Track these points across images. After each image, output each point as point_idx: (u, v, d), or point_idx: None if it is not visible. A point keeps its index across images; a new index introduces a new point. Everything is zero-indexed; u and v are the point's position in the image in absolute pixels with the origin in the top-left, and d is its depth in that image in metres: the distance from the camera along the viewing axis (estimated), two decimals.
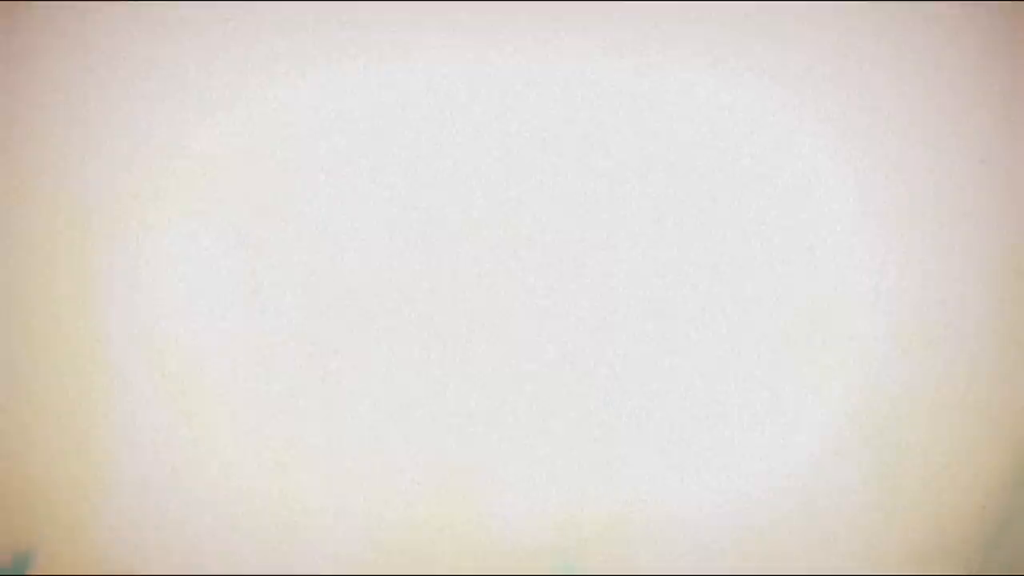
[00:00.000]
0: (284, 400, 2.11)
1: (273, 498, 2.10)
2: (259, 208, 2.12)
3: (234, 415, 2.11)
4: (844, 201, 2.16)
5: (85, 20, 2.12)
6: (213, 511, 2.10)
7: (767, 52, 2.15)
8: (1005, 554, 2.15)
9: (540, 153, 2.14)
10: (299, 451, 2.11)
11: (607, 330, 2.14)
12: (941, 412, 2.16)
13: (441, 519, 2.11)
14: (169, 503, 2.10)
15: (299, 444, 2.11)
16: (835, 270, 2.15)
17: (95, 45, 2.12)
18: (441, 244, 2.13)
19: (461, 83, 2.14)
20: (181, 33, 2.12)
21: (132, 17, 2.12)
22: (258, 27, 2.12)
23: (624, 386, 2.13)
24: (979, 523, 2.16)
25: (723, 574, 2.12)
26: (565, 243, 2.14)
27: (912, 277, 2.16)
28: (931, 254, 2.17)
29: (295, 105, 2.12)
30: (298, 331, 2.11)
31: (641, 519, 2.12)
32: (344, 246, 2.12)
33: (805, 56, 2.15)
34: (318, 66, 2.12)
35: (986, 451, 2.16)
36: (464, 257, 2.13)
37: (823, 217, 2.15)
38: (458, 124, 2.14)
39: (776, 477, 2.13)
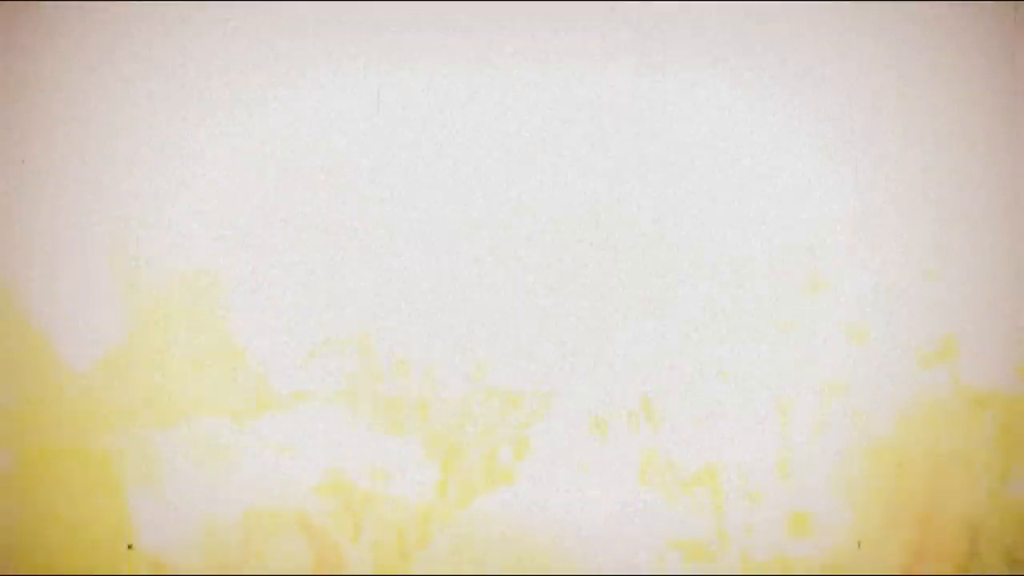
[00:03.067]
0: (283, 398, 2.11)
1: (275, 496, 2.11)
2: (259, 208, 2.12)
3: (234, 412, 2.11)
4: (844, 201, 2.16)
5: (85, 20, 2.12)
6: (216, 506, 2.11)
7: (767, 52, 2.15)
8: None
9: (540, 153, 2.14)
10: (300, 449, 2.11)
11: (607, 330, 2.14)
12: (941, 411, 2.16)
13: (441, 518, 2.12)
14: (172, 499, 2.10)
15: (300, 442, 2.11)
16: (835, 269, 2.15)
17: (95, 45, 2.12)
18: (441, 243, 2.13)
19: (461, 83, 2.14)
20: (181, 33, 2.12)
21: (132, 17, 2.12)
22: (258, 27, 2.12)
23: (624, 386, 2.13)
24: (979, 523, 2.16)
25: (724, 574, 2.12)
26: (565, 243, 2.14)
27: (912, 277, 2.16)
28: (931, 254, 2.17)
29: (295, 105, 2.12)
30: (298, 330, 2.11)
31: (641, 519, 2.12)
32: (344, 244, 2.12)
33: (805, 56, 2.15)
34: (318, 66, 2.12)
35: (986, 451, 2.16)
36: (464, 256, 2.13)
37: (823, 216, 2.16)
38: (458, 124, 2.14)
39: (775, 477, 2.13)
